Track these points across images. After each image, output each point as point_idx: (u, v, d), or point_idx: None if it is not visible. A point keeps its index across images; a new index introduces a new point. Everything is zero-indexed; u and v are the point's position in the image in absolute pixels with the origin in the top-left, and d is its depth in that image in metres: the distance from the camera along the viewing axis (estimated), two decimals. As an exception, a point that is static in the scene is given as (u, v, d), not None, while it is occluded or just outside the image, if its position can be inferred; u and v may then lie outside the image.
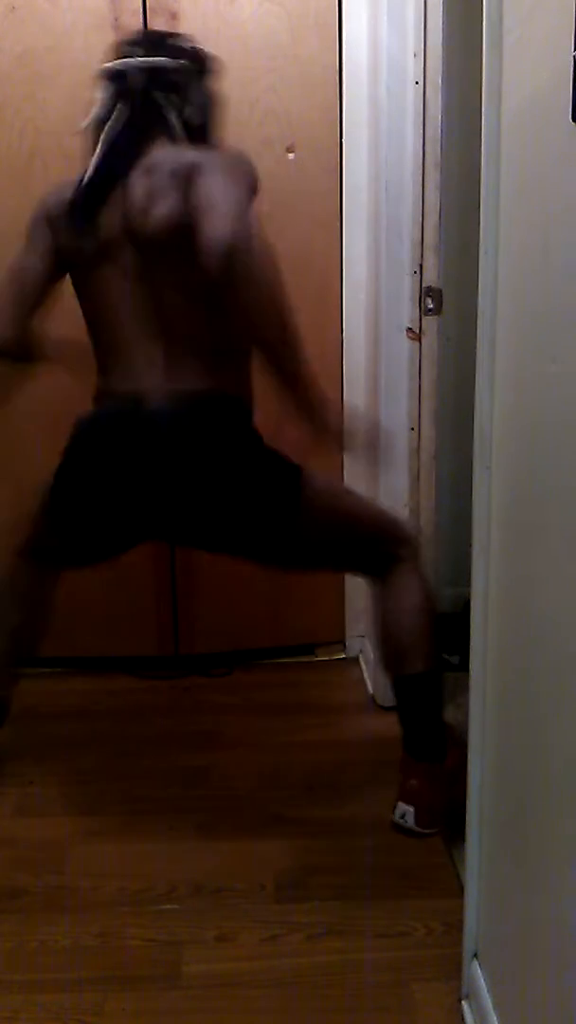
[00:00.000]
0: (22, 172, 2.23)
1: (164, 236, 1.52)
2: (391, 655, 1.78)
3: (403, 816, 1.71)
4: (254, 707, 2.28)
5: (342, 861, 1.66)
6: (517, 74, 1.02)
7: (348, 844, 1.71)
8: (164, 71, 1.61)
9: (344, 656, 2.55)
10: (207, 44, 2.17)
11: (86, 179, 1.61)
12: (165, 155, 1.56)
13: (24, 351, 1.69)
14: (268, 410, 1.65)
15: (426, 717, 1.74)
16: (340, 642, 2.57)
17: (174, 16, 2.19)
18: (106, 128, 1.60)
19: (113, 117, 1.60)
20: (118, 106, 1.60)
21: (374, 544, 1.77)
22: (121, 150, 1.59)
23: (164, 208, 1.50)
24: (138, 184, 1.56)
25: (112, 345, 1.67)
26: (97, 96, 1.63)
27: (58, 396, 1.85)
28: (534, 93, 0.96)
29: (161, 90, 1.60)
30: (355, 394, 2.39)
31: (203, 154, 1.53)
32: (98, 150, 1.60)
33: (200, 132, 1.64)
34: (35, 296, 1.67)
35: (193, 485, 1.60)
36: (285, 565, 1.83)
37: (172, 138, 1.60)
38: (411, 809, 1.70)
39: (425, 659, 1.73)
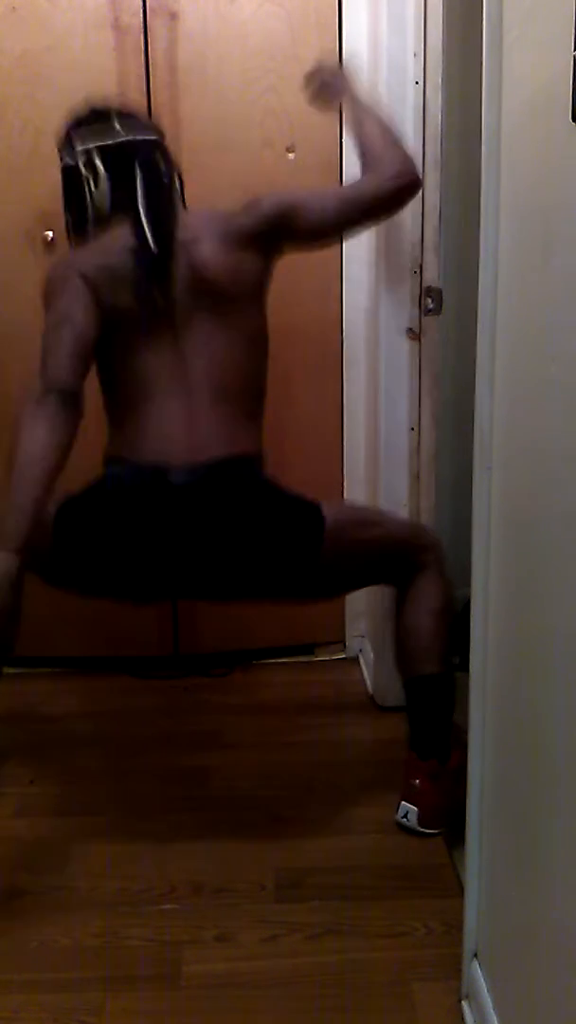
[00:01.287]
0: (22, 172, 2.23)
1: (237, 290, 1.69)
2: (406, 655, 1.79)
3: (406, 815, 1.71)
4: (254, 707, 2.28)
5: (342, 861, 1.66)
6: (517, 74, 1.02)
7: (348, 844, 1.71)
8: (159, 144, 1.76)
9: (344, 656, 2.55)
10: (207, 44, 2.20)
11: (150, 249, 1.66)
12: (204, 220, 1.74)
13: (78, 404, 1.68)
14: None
15: (436, 718, 1.75)
16: (340, 642, 2.56)
17: (174, 16, 2.19)
18: (143, 202, 1.68)
19: (142, 191, 1.69)
20: (145, 180, 1.70)
21: (399, 559, 1.80)
22: (164, 220, 1.69)
23: (246, 264, 1.70)
24: (202, 248, 1.67)
25: (133, 400, 1.70)
26: (95, 169, 1.70)
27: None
28: (534, 93, 0.96)
29: (165, 162, 1.75)
30: (355, 394, 2.40)
31: (243, 215, 1.72)
32: (144, 222, 1.67)
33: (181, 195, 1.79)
34: (87, 348, 1.65)
35: (216, 555, 1.65)
36: (316, 598, 1.90)
37: (182, 204, 1.77)
38: (414, 808, 1.70)
39: (440, 660, 1.75)
